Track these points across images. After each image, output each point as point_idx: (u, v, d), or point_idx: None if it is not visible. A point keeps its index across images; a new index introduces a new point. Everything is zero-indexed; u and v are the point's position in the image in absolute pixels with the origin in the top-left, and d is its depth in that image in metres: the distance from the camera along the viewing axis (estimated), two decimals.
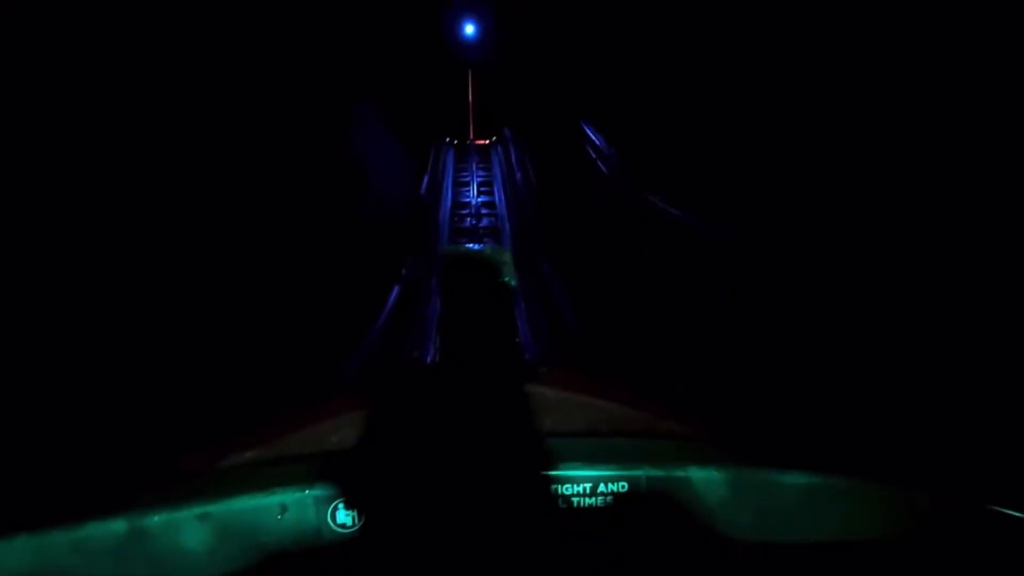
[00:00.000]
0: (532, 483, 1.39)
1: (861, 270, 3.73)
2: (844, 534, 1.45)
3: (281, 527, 1.43)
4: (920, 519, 1.42)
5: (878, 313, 3.49)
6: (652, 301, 6.41)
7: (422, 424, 1.36)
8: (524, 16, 14.91)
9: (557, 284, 8.36)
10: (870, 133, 4.01)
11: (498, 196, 11.81)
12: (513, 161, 12.61)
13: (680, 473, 1.50)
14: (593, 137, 10.76)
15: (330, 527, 1.43)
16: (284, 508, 1.44)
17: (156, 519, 1.40)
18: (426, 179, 11.75)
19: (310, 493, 1.45)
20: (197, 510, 1.42)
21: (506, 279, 1.53)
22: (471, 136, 16.41)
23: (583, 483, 1.46)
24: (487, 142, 15.14)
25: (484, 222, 10.79)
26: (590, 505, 1.46)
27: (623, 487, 1.47)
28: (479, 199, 11.65)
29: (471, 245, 9.94)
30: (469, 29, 17.08)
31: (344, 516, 1.45)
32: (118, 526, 1.39)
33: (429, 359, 6.48)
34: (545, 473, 1.43)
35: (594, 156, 10.60)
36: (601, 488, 1.46)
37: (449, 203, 11.47)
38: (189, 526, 1.41)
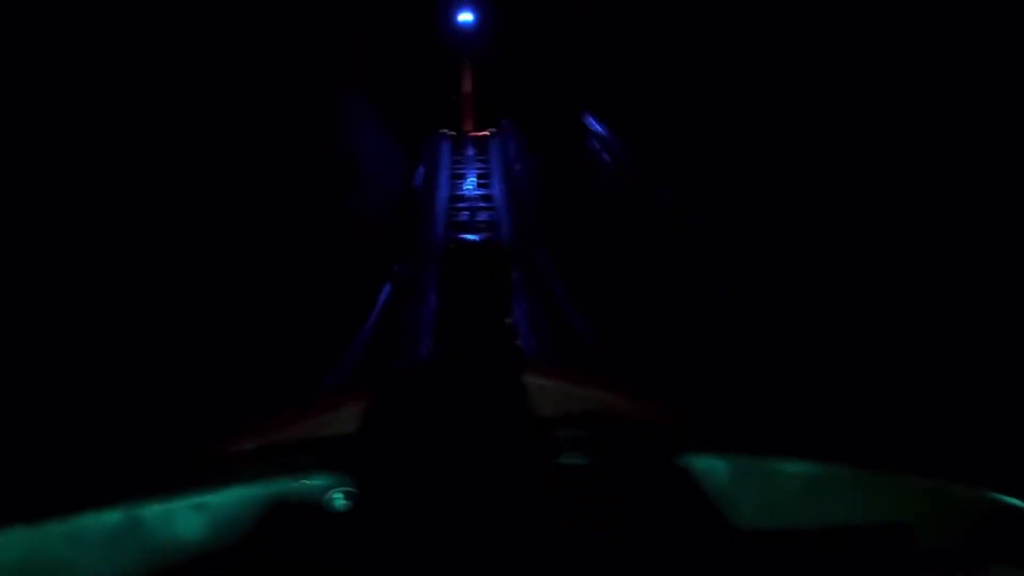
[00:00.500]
0: (529, 474, 1.39)
1: (861, 267, 3.84)
2: (845, 522, 1.50)
3: (278, 516, 1.48)
4: (921, 508, 1.46)
5: (877, 309, 3.60)
6: (656, 299, 6.38)
7: (420, 416, 1.39)
8: (524, 4, 14.87)
9: (557, 280, 8.29)
10: (871, 132, 4.05)
11: (496, 189, 11.75)
12: (512, 153, 12.54)
13: (681, 462, 1.54)
14: (597, 128, 10.70)
15: (327, 516, 1.47)
16: (282, 497, 1.49)
17: (152, 509, 1.45)
18: (421, 171, 11.66)
19: (308, 483, 1.50)
20: (194, 500, 1.47)
21: (506, 272, 1.55)
22: (469, 127, 16.35)
23: (582, 474, 1.50)
24: (486, 134, 15.08)
25: (481, 216, 10.72)
26: (589, 496, 1.48)
27: (623, 478, 1.51)
28: (476, 191, 11.58)
29: (470, 237, 9.88)
30: (467, 17, 17.03)
31: (342, 504, 1.49)
32: (113, 517, 1.43)
33: (425, 357, 6.37)
34: (542, 464, 1.45)
35: (597, 147, 10.54)
36: (600, 480, 1.50)
37: (445, 196, 11.40)
38: (185, 516, 1.46)
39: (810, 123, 4.77)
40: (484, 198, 11.41)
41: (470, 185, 11.82)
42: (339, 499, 1.48)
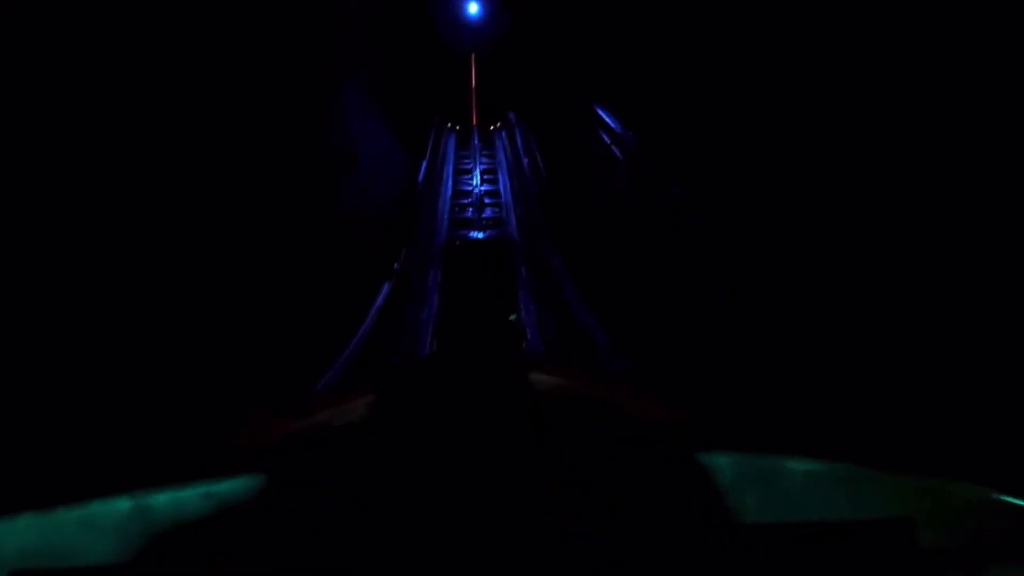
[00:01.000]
0: (530, 473, 1.42)
1: (861, 267, 3.97)
2: (847, 520, 1.56)
3: (281, 507, 1.54)
4: (922, 506, 1.52)
5: (877, 308, 3.74)
6: (669, 300, 6.34)
7: (422, 415, 1.45)
8: None
9: (567, 279, 8.19)
10: (872, 132, 4.17)
11: (502, 184, 11.68)
12: (519, 147, 12.47)
13: (683, 460, 1.61)
14: (608, 121, 10.63)
15: (331, 506, 1.51)
16: (284, 488, 1.56)
17: (161, 498, 1.55)
18: (424, 166, 11.62)
19: (308, 475, 1.56)
20: (202, 489, 1.55)
21: (512, 268, 1.61)
22: (475, 121, 16.34)
23: (583, 469, 1.51)
24: (492, 127, 15.06)
25: (487, 212, 10.65)
26: (589, 496, 1.49)
27: (624, 473, 1.54)
28: (482, 187, 11.51)
29: (475, 233, 9.82)
30: (474, 8, 17.05)
31: (344, 495, 1.53)
32: (123, 504, 1.53)
33: (426, 355, 6.26)
34: (544, 461, 1.47)
35: (609, 141, 10.47)
36: (600, 479, 1.53)
37: (449, 191, 11.34)
38: (193, 505, 1.55)
39: (810, 122, 4.86)
40: (490, 194, 11.35)
41: (475, 180, 11.75)
42: (339, 488, 1.54)
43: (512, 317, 1.67)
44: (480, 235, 10.28)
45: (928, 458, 1.61)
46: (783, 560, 1.52)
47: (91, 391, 3.60)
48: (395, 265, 8.61)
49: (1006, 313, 2.99)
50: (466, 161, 12.90)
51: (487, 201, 11.05)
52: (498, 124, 14.88)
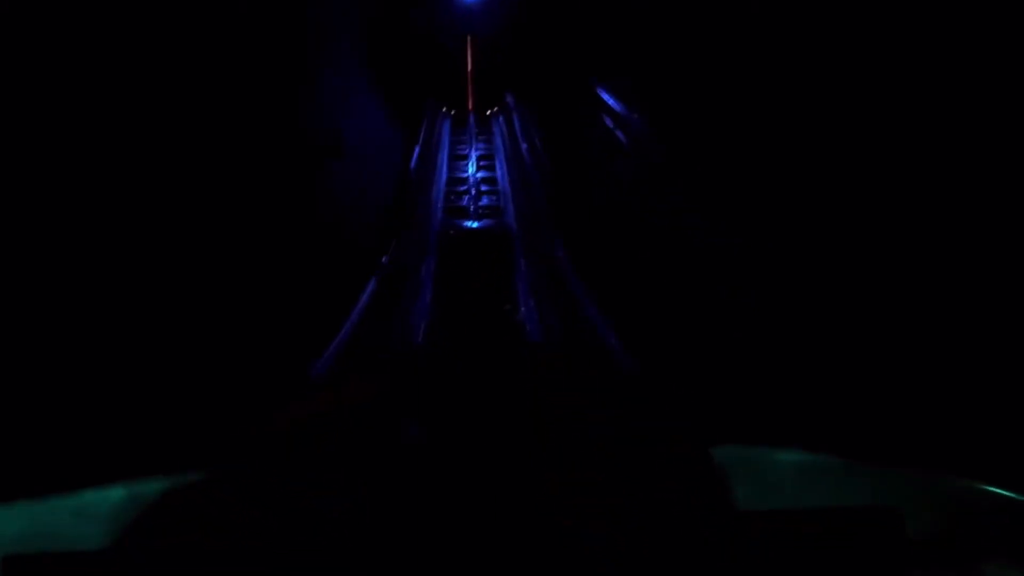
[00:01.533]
0: (530, 473, 1.49)
1: (861, 267, 4.08)
2: (838, 514, 1.61)
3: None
4: (912, 499, 1.57)
5: (877, 308, 3.85)
6: (673, 298, 6.36)
7: (420, 413, 1.49)
8: None
9: (571, 273, 8.20)
10: (872, 131, 4.23)
11: (500, 171, 11.70)
12: (518, 132, 12.48)
13: (684, 458, 1.67)
14: (612, 104, 10.62)
15: (331, 505, 1.58)
16: (282, 483, 1.61)
17: (153, 486, 1.62)
18: (417, 151, 11.62)
19: (308, 474, 1.62)
20: (194, 479, 1.63)
21: (509, 259, 1.62)
22: (471, 105, 16.32)
23: (583, 469, 1.57)
24: (489, 112, 15.05)
25: (484, 201, 10.66)
26: (589, 496, 1.54)
27: (624, 473, 1.59)
28: (478, 174, 11.52)
29: (471, 223, 9.82)
30: None
31: (344, 495, 1.59)
32: (116, 493, 1.60)
33: (423, 346, 6.18)
34: (544, 461, 1.54)
35: (612, 125, 10.47)
36: (600, 479, 1.57)
37: (444, 179, 11.35)
38: (187, 494, 1.61)
39: (811, 122, 4.89)
40: (487, 181, 11.35)
41: (472, 167, 11.76)
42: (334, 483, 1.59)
43: (507, 307, 1.73)
44: (476, 224, 10.34)
45: (916, 451, 1.69)
46: (777, 557, 1.53)
47: (77, 382, 3.67)
48: (383, 259, 8.34)
49: (996, 310, 3.10)
50: (462, 147, 12.90)
51: (484, 189, 11.06)
52: (495, 108, 14.88)
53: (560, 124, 11.59)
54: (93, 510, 1.58)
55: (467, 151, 12.62)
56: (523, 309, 7.65)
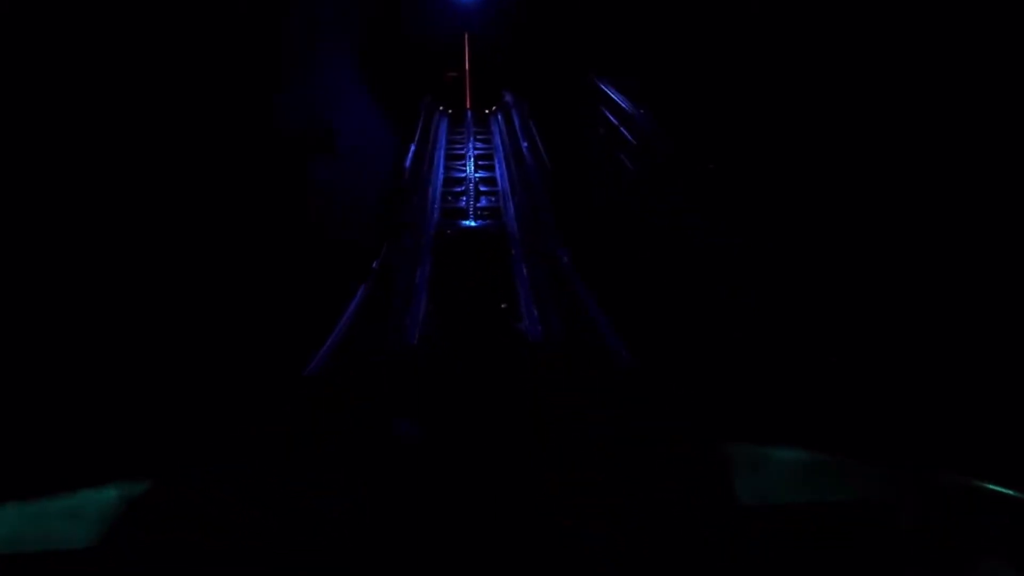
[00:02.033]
0: (530, 473, 1.53)
1: (861, 267, 4.17)
2: (838, 511, 1.68)
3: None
4: (911, 497, 1.64)
5: (877, 308, 3.94)
6: (678, 297, 6.40)
7: (420, 413, 1.56)
8: None
9: (569, 267, 8.23)
10: (873, 131, 4.30)
11: (499, 171, 11.75)
12: (517, 130, 12.54)
13: (684, 458, 1.71)
14: (615, 98, 10.65)
15: (331, 506, 1.61)
16: (277, 479, 1.66)
17: (149, 487, 1.66)
18: (413, 150, 11.66)
19: (308, 474, 1.66)
20: (189, 479, 1.68)
21: (510, 261, 1.67)
22: (469, 103, 16.40)
23: (583, 469, 1.60)
24: (487, 110, 15.12)
25: (483, 201, 10.71)
26: (589, 496, 1.58)
27: (624, 473, 1.63)
28: (476, 174, 11.57)
29: (468, 223, 9.85)
30: None
31: (344, 495, 1.62)
32: (109, 493, 1.65)
33: (421, 347, 6.15)
34: (544, 461, 1.59)
35: (616, 122, 10.51)
36: (600, 474, 1.61)
37: (441, 178, 11.40)
38: (181, 494, 1.65)
39: (811, 121, 4.94)
40: (485, 181, 11.40)
41: (470, 167, 11.82)
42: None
43: (504, 306, 1.78)
44: (475, 223, 10.37)
45: (914, 448, 1.73)
46: (777, 555, 1.59)
47: (71, 383, 3.78)
48: (373, 264, 8.15)
49: (995, 310, 3.18)
50: (459, 146, 12.96)
51: (483, 189, 11.10)
52: (493, 107, 14.96)
53: (561, 122, 11.63)
54: (85, 511, 1.63)
55: (465, 150, 12.68)
56: (523, 309, 7.69)
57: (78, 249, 4.52)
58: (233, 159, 6.45)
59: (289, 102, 8.07)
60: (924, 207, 3.71)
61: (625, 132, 10.08)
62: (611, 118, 10.45)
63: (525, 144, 11.89)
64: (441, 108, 14.84)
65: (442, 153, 12.38)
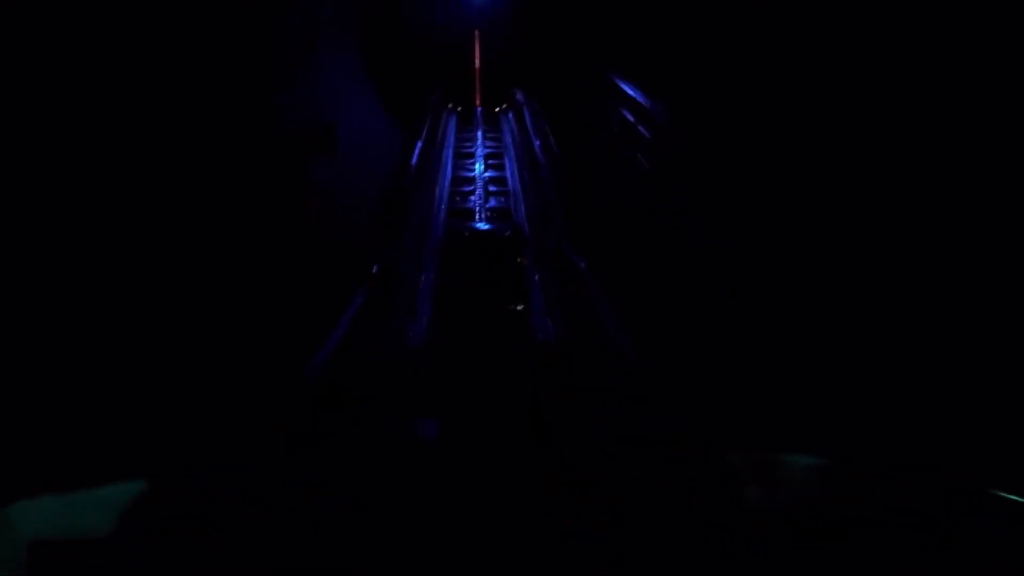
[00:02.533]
0: (530, 473, 1.56)
1: (862, 267, 4.24)
2: (845, 517, 1.69)
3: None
4: (920, 503, 1.65)
5: (876, 308, 4.00)
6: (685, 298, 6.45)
7: (419, 413, 1.59)
8: None
9: (592, 281, 8.25)
10: (873, 130, 4.34)
11: (509, 170, 11.79)
12: (529, 128, 12.58)
13: (684, 458, 1.73)
14: (632, 95, 10.67)
15: (331, 506, 1.64)
16: (277, 479, 1.70)
17: (148, 486, 1.73)
18: (419, 147, 11.73)
19: (308, 474, 1.69)
20: (188, 479, 1.74)
21: (516, 262, 1.75)
22: (479, 100, 16.50)
23: (583, 469, 1.64)
24: (498, 108, 15.19)
25: (492, 202, 10.76)
26: (589, 496, 1.62)
27: (624, 473, 1.66)
28: (486, 173, 11.63)
29: (478, 224, 9.88)
30: None
31: (344, 495, 1.65)
32: (138, 487, 1.74)
33: (422, 347, 6.16)
34: (544, 461, 1.62)
35: (633, 119, 10.53)
36: (600, 474, 1.65)
37: (449, 178, 11.46)
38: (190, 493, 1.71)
39: (812, 121, 4.98)
40: (495, 180, 11.45)
41: (479, 166, 11.88)
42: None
43: (520, 308, 1.78)
44: (485, 226, 10.34)
45: (923, 454, 1.76)
46: (783, 559, 1.64)
47: (68, 383, 3.89)
48: (376, 264, 7.87)
49: (1003, 312, 3.23)
50: (469, 145, 13.03)
51: (492, 189, 11.15)
52: (504, 105, 15.03)
53: (574, 120, 11.68)
54: (116, 503, 1.72)
55: (474, 149, 12.74)
56: (536, 319, 7.73)
57: (78, 249, 4.62)
58: (233, 159, 6.54)
59: (289, 102, 8.14)
60: (929, 208, 3.75)
61: (642, 130, 10.11)
62: (627, 115, 10.48)
63: (537, 142, 11.92)
64: (450, 105, 14.92)
65: (451, 151, 12.45)
